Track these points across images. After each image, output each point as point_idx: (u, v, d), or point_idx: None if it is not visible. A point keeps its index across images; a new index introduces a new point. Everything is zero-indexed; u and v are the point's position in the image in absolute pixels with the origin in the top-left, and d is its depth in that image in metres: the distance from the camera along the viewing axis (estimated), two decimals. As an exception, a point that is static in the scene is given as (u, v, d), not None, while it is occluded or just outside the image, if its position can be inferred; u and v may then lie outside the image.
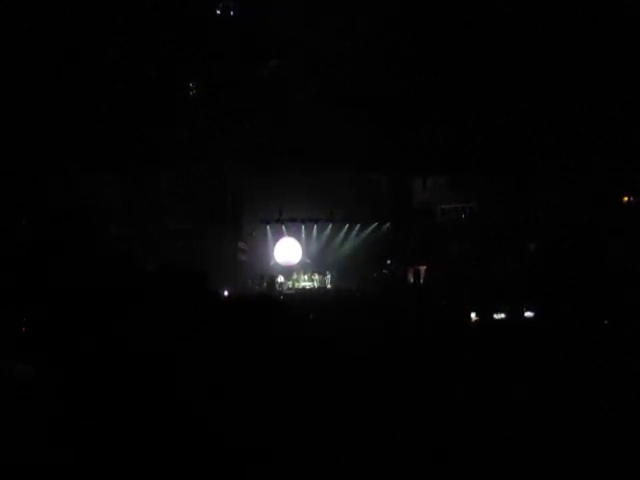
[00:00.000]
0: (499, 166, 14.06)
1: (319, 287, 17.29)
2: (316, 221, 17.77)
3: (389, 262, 17.16)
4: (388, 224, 17.84)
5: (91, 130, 11.07)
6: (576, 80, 10.99)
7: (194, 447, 2.82)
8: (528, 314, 7.58)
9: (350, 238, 18.20)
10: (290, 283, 17.32)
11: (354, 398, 3.20)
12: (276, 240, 18.05)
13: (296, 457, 2.85)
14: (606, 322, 5.31)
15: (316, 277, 17.60)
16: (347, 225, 17.99)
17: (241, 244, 17.13)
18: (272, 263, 18.07)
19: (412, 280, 16.32)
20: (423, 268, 16.39)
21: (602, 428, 3.25)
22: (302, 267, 18.05)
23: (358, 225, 17.99)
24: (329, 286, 17.32)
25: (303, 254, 18.30)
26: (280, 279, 17.17)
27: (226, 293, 11.73)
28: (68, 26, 9.43)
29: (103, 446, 2.78)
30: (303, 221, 17.71)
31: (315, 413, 3.06)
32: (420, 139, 13.44)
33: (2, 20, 8.95)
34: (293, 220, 17.53)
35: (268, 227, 17.56)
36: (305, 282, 17.55)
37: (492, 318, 7.39)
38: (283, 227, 17.73)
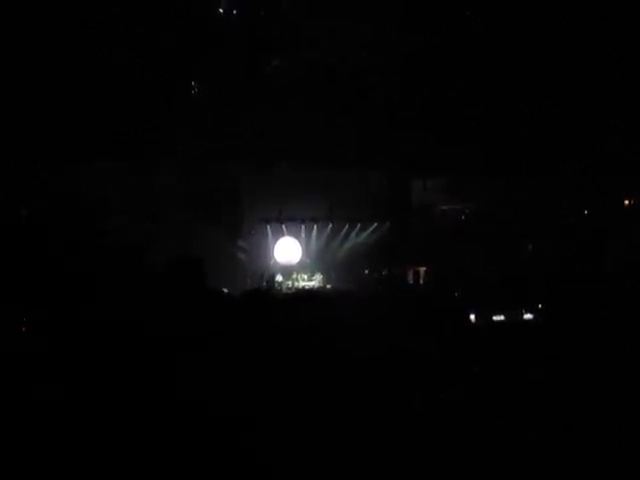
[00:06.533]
0: (500, 167, 14.04)
1: (319, 287, 17.26)
2: (316, 220, 17.75)
3: (389, 263, 17.13)
4: (388, 224, 17.81)
5: (89, 124, 11.03)
6: (576, 80, 10.98)
7: (193, 445, 2.80)
8: (527, 316, 7.55)
9: (350, 238, 18.18)
10: (289, 282, 17.30)
11: (350, 399, 3.18)
12: (276, 239, 18.03)
13: (295, 456, 2.83)
14: (606, 326, 5.28)
15: (316, 277, 17.60)
16: (347, 225, 17.97)
17: (241, 243, 17.11)
18: (272, 262, 18.04)
19: (411, 281, 16.32)
20: (422, 269, 16.38)
21: (603, 429, 3.23)
22: (302, 266, 18.03)
23: (358, 225, 17.96)
24: (328, 286, 17.30)
25: (303, 253, 18.28)
26: (279, 278, 17.17)
27: (225, 291, 11.68)
28: (69, 21, 9.42)
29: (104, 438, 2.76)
30: (303, 220, 17.68)
31: (314, 412, 3.04)
32: (421, 140, 13.43)
33: (2, 10, 8.94)
34: (293, 219, 17.52)
35: (268, 226, 17.53)
36: (305, 281, 17.54)
37: (491, 320, 7.36)
38: (283, 226, 17.70)
